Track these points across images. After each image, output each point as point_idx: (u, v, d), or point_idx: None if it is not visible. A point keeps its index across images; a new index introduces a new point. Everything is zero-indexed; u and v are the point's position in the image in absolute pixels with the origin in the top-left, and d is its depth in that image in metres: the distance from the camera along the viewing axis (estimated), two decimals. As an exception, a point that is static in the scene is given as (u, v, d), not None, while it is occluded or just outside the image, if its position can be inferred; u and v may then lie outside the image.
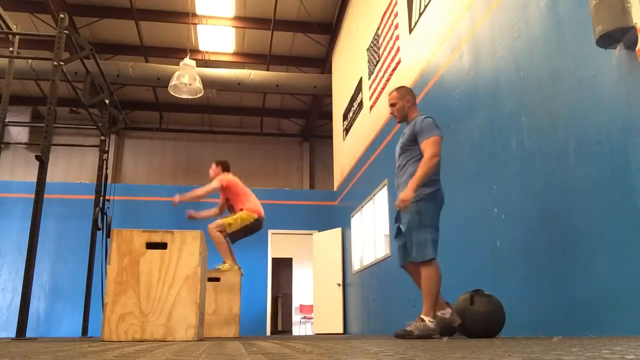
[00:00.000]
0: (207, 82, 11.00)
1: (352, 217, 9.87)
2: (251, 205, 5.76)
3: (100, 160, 6.66)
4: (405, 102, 3.87)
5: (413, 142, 3.71)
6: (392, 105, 3.91)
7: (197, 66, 10.28)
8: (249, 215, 5.66)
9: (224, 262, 5.63)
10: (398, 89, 3.95)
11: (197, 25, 11.66)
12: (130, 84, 12.44)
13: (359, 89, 9.69)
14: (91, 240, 6.44)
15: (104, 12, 11.28)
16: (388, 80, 7.74)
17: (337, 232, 10.74)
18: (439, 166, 3.65)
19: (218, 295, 5.40)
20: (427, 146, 3.59)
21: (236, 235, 5.62)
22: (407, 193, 3.50)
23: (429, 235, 3.54)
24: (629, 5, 2.81)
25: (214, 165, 6.11)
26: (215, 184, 5.82)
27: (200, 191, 5.82)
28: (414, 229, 3.56)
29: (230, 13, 11.43)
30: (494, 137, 4.51)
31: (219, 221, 5.61)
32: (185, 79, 9.26)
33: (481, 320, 3.50)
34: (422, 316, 3.45)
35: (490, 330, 3.52)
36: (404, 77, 7.03)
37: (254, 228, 5.71)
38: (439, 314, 3.61)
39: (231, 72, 11.95)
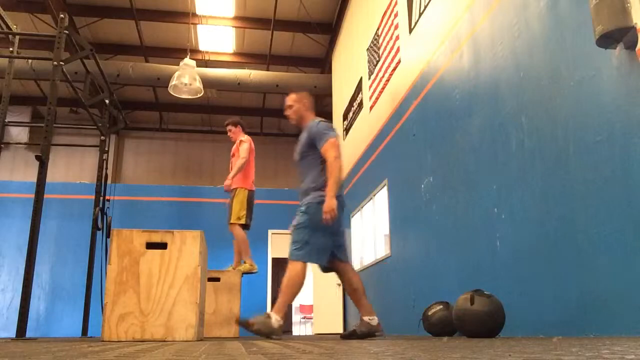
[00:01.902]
0: (207, 82, 11.00)
1: (352, 217, 9.87)
2: (248, 179, 5.96)
3: (100, 160, 6.66)
4: (301, 105, 3.94)
5: (310, 147, 3.76)
6: (289, 107, 3.97)
7: (197, 66, 10.28)
8: (244, 193, 5.87)
9: (244, 262, 5.75)
10: (297, 92, 4.04)
11: (197, 25, 11.66)
12: (130, 84, 12.43)
13: (359, 89, 9.69)
14: (91, 240, 6.44)
15: (104, 12, 11.28)
16: (388, 80, 7.74)
17: (337, 232, 10.72)
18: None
19: (218, 295, 5.40)
20: (327, 150, 3.64)
21: (249, 217, 5.87)
22: (329, 202, 3.53)
23: (308, 237, 3.60)
24: (629, 5, 2.81)
25: (232, 127, 6.20)
26: (246, 145, 5.96)
27: (240, 163, 5.87)
28: (298, 228, 3.65)
29: (230, 13, 11.43)
30: (494, 137, 4.51)
31: (233, 217, 5.75)
32: (185, 79, 9.26)
33: (481, 320, 3.50)
34: (269, 312, 3.52)
35: (490, 330, 3.52)
36: (404, 77, 7.03)
37: (252, 201, 5.94)
38: (365, 318, 3.70)
39: (231, 72, 11.95)
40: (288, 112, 3.98)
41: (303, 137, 3.84)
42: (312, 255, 3.63)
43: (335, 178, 3.57)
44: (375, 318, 3.74)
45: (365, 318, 3.75)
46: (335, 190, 3.56)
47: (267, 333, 3.41)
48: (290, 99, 3.97)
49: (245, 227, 5.82)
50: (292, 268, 3.59)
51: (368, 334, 3.70)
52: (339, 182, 3.59)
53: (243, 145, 5.95)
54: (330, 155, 3.61)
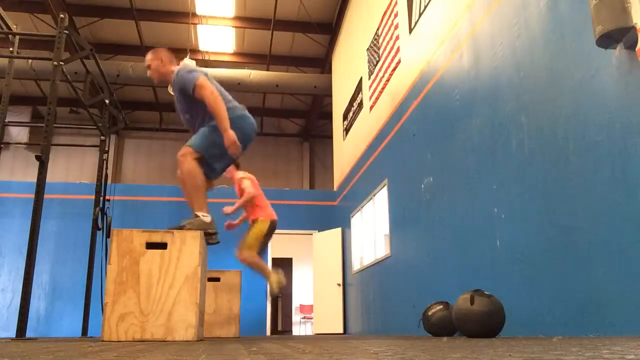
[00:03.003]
0: (207, 82, 10.98)
1: (352, 217, 9.87)
2: (265, 210, 5.47)
3: (100, 160, 6.66)
4: (159, 62, 3.79)
5: (186, 98, 3.65)
6: (147, 67, 3.84)
7: (198, 66, 10.27)
8: (263, 223, 5.38)
9: (270, 277, 5.22)
10: (152, 50, 3.88)
11: (197, 25, 11.66)
12: (130, 84, 12.44)
13: (359, 89, 9.69)
14: (91, 240, 6.43)
15: (104, 12, 11.28)
16: (388, 80, 7.74)
17: (337, 232, 10.74)
18: (223, 95, 3.64)
19: (218, 295, 5.40)
20: (199, 91, 3.54)
21: (260, 249, 5.38)
22: (227, 135, 3.47)
23: (214, 137, 3.55)
24: (629, 5, 2.81)
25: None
26: (248, 182, 5.47)
27: (242, 201, 5.39)
28: (208, 130, 3.61)
29: (230, 13, 11.44)
30: (494, 137, 4.51)
31: (244, 248, 5.26)
32: (185, 79, 9.24)
33: (481, 320, 3.50)
34: (196, 212, 3.49)
35: (490, 330, 3.52)
36: (404, 77, 7.03)
37: (270, 233, 5.44)
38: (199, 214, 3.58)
39: (231, 72, 11.95)
40: (148, 73, 3.84)
41: (174, 92, 3.74)
42: (203, 145, 3.57)
43: (220, 112, 3.49)
44: (209, 216, 3.63)
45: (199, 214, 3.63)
46: (226, 123, 3.47)
47: (205, 229, 3.42)
48: (147, 59, 3.84)
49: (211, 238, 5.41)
50: (185, 164, 3.53)
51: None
52: (224, 114, 3.49)
53: (244, 182, 5.48)
54: (205, 94, 3.51)
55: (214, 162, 3.68)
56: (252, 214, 5.44)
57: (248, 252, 5.22)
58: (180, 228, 3.41)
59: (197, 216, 3.49)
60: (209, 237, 3.60)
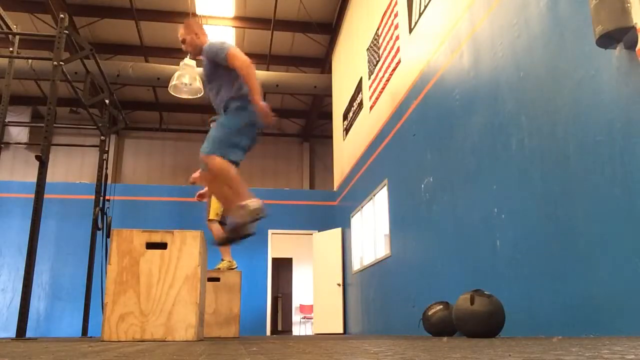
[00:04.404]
0: (207, 82, 10.98)
1: (352, 217, 9.87)
2: None
3: (100, 160, 6.65)
4: (193, 35, 3.81)
5: (215, 67, 3.66)
6: (183, 42, 3.85)
7: (198, 66, 10.27)
8: None
9: (222, 260, 5.66)
10: (184, 24, 3.88)
11: (197, 25, 11.65)
12: (130, 84, 12.43)
13: (359, 89, 9.69)
14: (91, 240, 6.43)
15: (104, 12, 11.28)
16: (388, 80, 7.74)
17: (337, 232, 10.74)
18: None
19: (218, 295, 5.40)
20: (233, 59, 3.53)
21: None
22: (261, 105, 3.48)
23: (220, 134, 3.53)
24: (629, 5, 2.81)
25: None
26: None
27: None
28: (217, 126, 3.59)
29: (230, 13, 11.44)
30: (494, 137, 4.51)
31: (212, 214, 5.66)
32: (186, 79, 9.25)
33: (481, 320, 3.50)
34: (241, 204, 3.31)
35: (490, 330, 3.52)
36: (404, 77, 7.03)
37: None
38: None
39: (231, 72, 11.94)
40: (184, 47, 3.85)
41: (204, 63, 3.75)
42: (220, 149, 3.50)
43: (254, 81, 3.50)
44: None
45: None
46: (259, 92, 3.49)
47: (255, 216, 3.28)
48: (180, 33, 3.84)
49: (223, 224, 5.73)
50: (212, 163, 3.44)
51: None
52: (256, 81, 3.52)
53: None
54: (239, 61, 3.51)
55: (230, 152, 3.61)
56: None
57: (216, 227, 5.59)
58: (237, 226, 3.27)
59: (243, 206, 3.30)
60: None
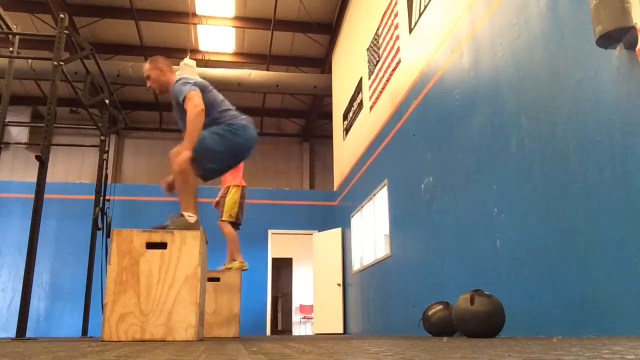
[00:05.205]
0: (207, 82, 10.98)
1: (352, 217, 9.87)
2: (236, 177, 5.97)
3: (100, 160, 6.65)
4: (158, 72, 3.82)
5: (180, 108, 3.66)
6: (147, 78, 3.86)
7: (197, 66, 10.29)
8: (237, 190, 5.91)
9: (234, 260, 5.71)
10: (150, 59, 3.89)
11: (197, 25, 11.66)
12: (130, 84, 12.44)
13: (359, 89, 9.69)
14: (91, 240, 6.43)
15: (104, 12, 11.28)
16: (388, 80, 7.74)
17: (337, 232, 10.74)
18: (216, 105, 3.68)
19: (218, 295, 5.40)
20: (186, 104, 3.54)
21: (241, 215, 5.91)
22: (185, 152, 3.45)
23: (213, 145, 3.58)
24: (629, 5, 2.81)
25: None
26: None
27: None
28: (211, 134, 3.61)
29: (230, 13, 11.44)
30: (494, 137, 4.51)
31: (225, 215, 5.76)
32: (185, 79, 9.25)
33: (481, 320, 3.50)
34: (181, 212, 3.48)
35: (490, 330, 3.52)
36: (404, 77, 7.03)
37: (244, 197, 6.00)
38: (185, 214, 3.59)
39: (231, 72, 11.96)
40: (148, 84, 3.85)
41: (173, 102, 3.76)
42: (204, 158, 3.56)
43: (193, 126, 3.48)
44: (194, 216, 3.68)
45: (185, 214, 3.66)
46: (192, 141, 3.48)
47: (185, 228, 3.40)
48: (145, 68, 3.85)
49: (236, 225, 5.84)
50: (181, 160, 3.48)
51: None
52: (196, 131, 3.51)
53: None
54: (188, 106, 3.52)
55: (206, 164, 3.66)
56: (226, 179, 5.95)
57: (230, 220, 5.74)
58: (164, 227, 3.40)
59: (182, 215, 3.49)
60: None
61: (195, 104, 3.52)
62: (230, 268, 5.66)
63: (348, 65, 10.70)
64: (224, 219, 5.78)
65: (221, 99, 3.82)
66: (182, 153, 3.48)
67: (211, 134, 3.64)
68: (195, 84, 3.68)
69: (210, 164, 3.68)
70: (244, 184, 6.05)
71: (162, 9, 11.35)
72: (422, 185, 6.14)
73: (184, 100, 3.56)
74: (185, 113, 3.62)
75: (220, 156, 3.67)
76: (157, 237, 3.36)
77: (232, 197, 5.87)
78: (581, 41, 3.40)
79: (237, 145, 3.70)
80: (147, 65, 3.85)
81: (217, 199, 6.02)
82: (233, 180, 5.94)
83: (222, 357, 1.39)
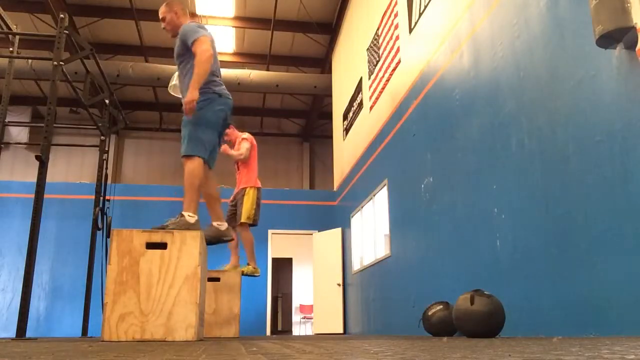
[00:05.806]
0: (207, 82, 10.98)
1: (352, 217, 9.87)
2: (251, 178, 5.93)
3: (100, 160, 6.65)
4: (173, 14, 3.85)
5: (185, 50, 3.71)
6: (162, 20, 3.89)
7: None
8: (254, 192, 5.86)
9: (248, 264, 5.74)
10: (166, 2, 3.92)
11: (197, 25, 11.65)
12: (130, 84, 12.44)
13: (359, 89, 9.69)
14: (91, 240, 6.43)
15: (104, 12, 11.28)
16: (388, 80, 7.74)
17: (337, 232, 10.74)
18: (216, 65, 3.72)
19: (218, 295, 5.40)
20: (196, 46, 3.59)
21: (258, 216, 5.88)
22: (190, 94, 3.49)
23: (200, 133, 3.60)
24: (629, 5, 2.81)
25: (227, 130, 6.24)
26: (247, 144, 5.94)
27: (232, 155, 5.88)
28: (184, 125, 3.62)
29: (230, 13, 11.44)
30: (494, 137, 4.51)
31: (243, 217, 5.71)
32: (185, 79, 9.25)
33: (481, 320, 3.50)
34: (182, 212, 3.51)
35: (490, 330, 3.52)
36: (404, 77, 7.03)
37: (260, 199, 5.96)
38: (214, 223, 3.77)
39: (231, 72, 11.95)
40: (163, 25, 3.89)
41: (177, 41, 3.78)
42: (202, 148, 3.60)
43: (202, 70, 3.53)
44: (225, 224, 3.86)
45: (215, 224, 3.86)
46: (199, 82, 3.51)
47: (187, 229, 3.42)
48: (161, 11, 3.88)
49: (253, 225, 5.82)
50: (189, 163, 3.55)
51: (216, 238, 3.83)
52: (204, 75, 3.55)
53: (244, 143, 5.92)
54: (199, 49, 3.56)
55: (215, 142, 3.75)
56: (241, 180, 5.92)
57: (247, 232, 5.73)
58: (164, 227, 3.41)
59: (182, 215, 3.50)
60: (222, 241, 3.86)
61: (206, 48, 3.57)
62: (242, 271, 5.65)
63: (348, 65, 10.70)
64: (243, 221, 5.70)
65: (217, 62, 3.88)
66: (190, 94, 3.48)
67: (189, 121, 3.64)
68: (208, 34, 3.73)
69: (203, 134, 3.66)
70: (259, 185, 6.00)
71: (162, 9, 11.34)
72: (422, 186, 6.14)
73: (193, 43, 3.59)
74: (187, 55, 3.66)
75: (207, 131, 3.67)
76: (157, 237, 3.36)
77: (250, 198, 5.80)
78: (581, 41, 3.41)
79: (223, 117, 3.75)
80: (163, 8, 3.89)
81: (232, 198, 5.96)
82: (248, 182, 5.89)
83: (222, 357, 1.39)
